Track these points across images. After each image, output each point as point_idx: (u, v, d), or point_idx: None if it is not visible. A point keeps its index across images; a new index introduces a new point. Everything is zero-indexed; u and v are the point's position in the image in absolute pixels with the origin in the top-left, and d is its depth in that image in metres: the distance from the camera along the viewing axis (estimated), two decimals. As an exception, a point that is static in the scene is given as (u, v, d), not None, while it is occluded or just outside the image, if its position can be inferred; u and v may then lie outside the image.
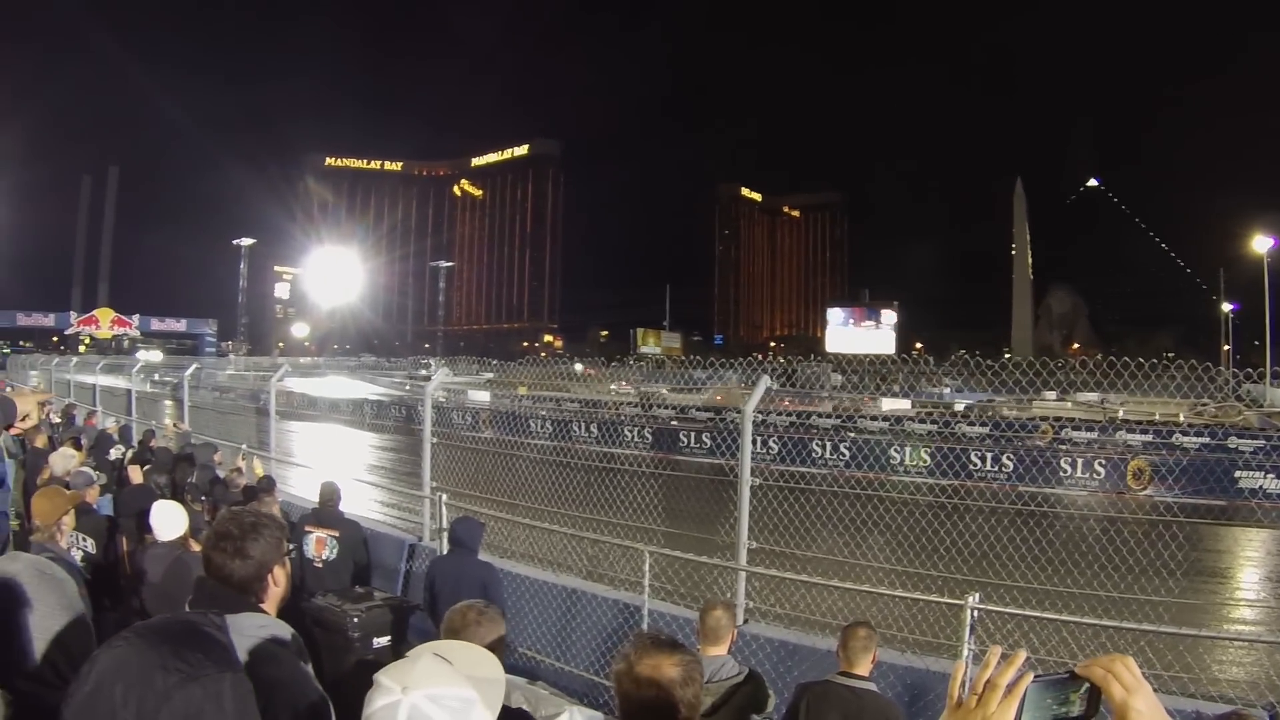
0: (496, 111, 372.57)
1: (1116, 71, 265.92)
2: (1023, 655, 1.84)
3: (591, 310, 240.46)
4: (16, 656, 2.66)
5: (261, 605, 3.44)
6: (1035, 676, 1.80)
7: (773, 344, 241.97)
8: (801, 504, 12.98)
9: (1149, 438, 33.61)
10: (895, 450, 33.98)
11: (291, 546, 3.93)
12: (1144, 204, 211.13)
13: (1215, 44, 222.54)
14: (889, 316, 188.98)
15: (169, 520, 7.68)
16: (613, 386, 38.77)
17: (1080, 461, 31.89)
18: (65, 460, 10.39)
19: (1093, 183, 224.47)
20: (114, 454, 15.62)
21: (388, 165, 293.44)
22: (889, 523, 16.05)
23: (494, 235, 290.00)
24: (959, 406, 40.87)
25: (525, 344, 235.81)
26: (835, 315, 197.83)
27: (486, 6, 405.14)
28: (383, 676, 2.21)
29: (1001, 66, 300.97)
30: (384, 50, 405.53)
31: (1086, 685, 1.79)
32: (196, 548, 7.62)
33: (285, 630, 3.31)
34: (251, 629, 3.06)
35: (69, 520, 6.86)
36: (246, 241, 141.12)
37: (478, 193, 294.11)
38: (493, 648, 4.30)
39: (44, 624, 2.71)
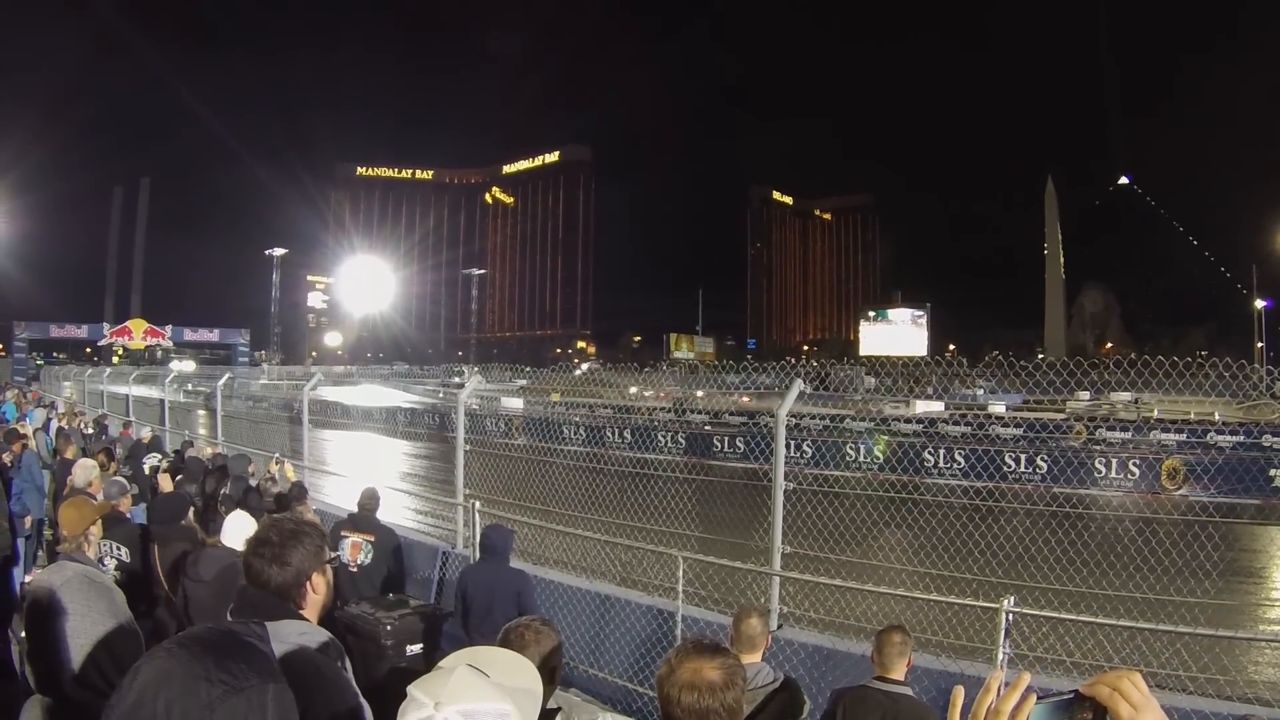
0: (527, 119, 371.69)
1: (1148, 67, 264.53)
2: (1026, 679, 1.80)
3: (624, 316, 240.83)
4: (65, 662, 2.69)
5: (302, 612, 3.47)
6: (1039, 698, 1.76)
7: (806, 348, 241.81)
8: (835, 508, 12.94)
9: (1183, 437, 33.42)
10: (929, 453, 33.86)
11: (335, 555, 3.96)
12: (1176, 201, 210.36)
13: (1248, 39, 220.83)
14: (921, 318, 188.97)
15: (241, 530, 7.70)
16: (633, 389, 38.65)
17: (1114, 462, 31.68)
18: (86, 471, 10.44)
19: (1124, 180, 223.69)
20: (149, 463, 15.71)
21: (419, 174, 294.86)
22: (923, 526, 16.00)
23: (526, 242, 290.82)
24: (995, 407, 40.73)
25: (558, 350, 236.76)
26: (867, 327, 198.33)
27: (517, 16, 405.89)
28: (416, 689, 2.20)
29: (1032, 63, 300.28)
30: (415, 59, 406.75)
31: (1092, 704, 1.74)
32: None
33: (325, 636, 3.34)
34: (291, 636, 3.09)
35: (96, 530, 6.86)
36: (279, 251, 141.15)
37: (509, 200, 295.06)
38: (551, 660, 4.38)
39: (93, 630, 2.75)
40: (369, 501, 11.54)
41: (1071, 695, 1.76)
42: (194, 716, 1.75)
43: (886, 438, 35.41)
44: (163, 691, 1.77)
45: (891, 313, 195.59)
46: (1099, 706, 1.73)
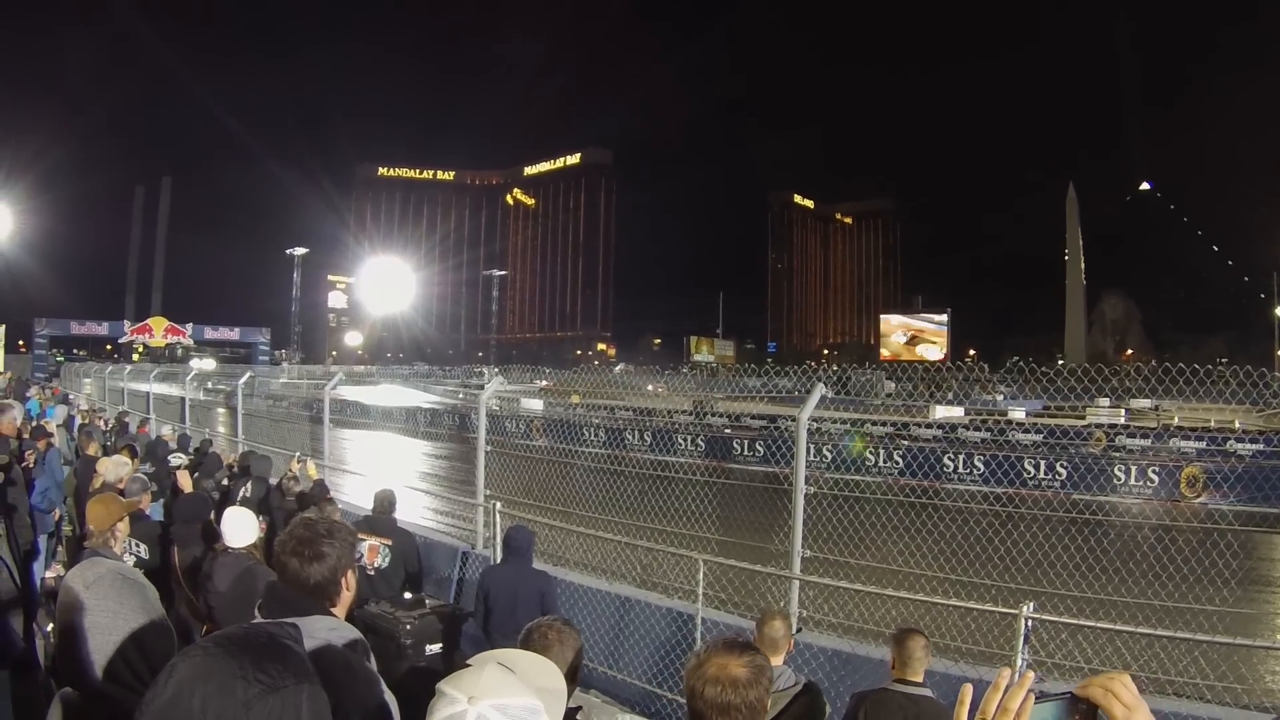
0: (549, 121, 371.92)
1: (1170, 74, 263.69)
2: (1031, 676, 1.85)
3: (644, 318, 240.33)
4: (97, 657, 2.72)
5: (332, 609, 3.52)
6: (1036, 697, 1.82)
7: (826, 352, 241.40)
8: (855, 512, 12.90)
9: (1203, 445, 33.24)
10: (949, 458, 33.74)
11: (361, 553, 4.05)
12: (1197, 208, 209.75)
13: (1266, 45, 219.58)
14: (942, 323, 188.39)
15: (241, 527, 7.72)
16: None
17: (1134, 469, 31.51)
18: (117, 467, 10.43)
19: (1146, 187, 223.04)
20: (174, 461, 15.74)
21: (440, 175, 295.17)
22: (943, 531, 15.96)
23: (547, 244, 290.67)
24: (1015, 413, 40.54)
25: (578, 352, 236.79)
26: (888, 322, 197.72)
27: (539, 18, 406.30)
28: (447, 686, 2.23)
29: (1054, 69, 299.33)
30: (437, 61, 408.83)
31: (1086, 705, 1.80)
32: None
33: (353, 633, 3.39)
34: (321, 632, 3.13)
35: (123, 527, 6.88)
36: (300, 251, 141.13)
37: (530, 202, 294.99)
38: (573, 660, 4.40)
39: (125, 626, 2.77)
40: (384, 504, 11.55)
41: (1067, 696, 1.82)
42: (230, 715, 1.77)
43: (862, 437, 35.19)
44: (199, 689, 1.79)
45: (937, 316, 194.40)
46: (1092, 706, 1.79)
